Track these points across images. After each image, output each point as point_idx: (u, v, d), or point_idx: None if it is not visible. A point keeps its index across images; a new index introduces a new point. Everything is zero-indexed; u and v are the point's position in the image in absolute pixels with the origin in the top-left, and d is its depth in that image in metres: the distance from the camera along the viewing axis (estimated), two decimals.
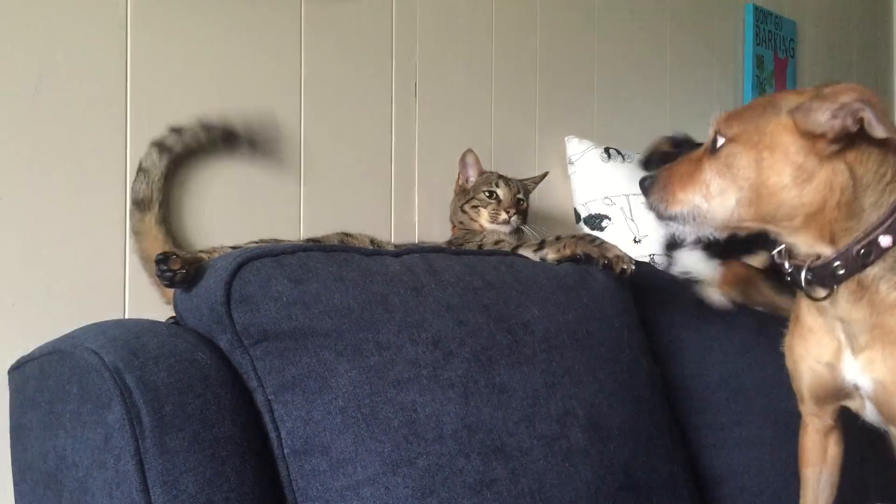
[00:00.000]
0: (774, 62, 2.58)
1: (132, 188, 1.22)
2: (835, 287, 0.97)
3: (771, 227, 0.99)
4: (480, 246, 1.43)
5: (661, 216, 1.02)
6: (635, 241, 1.76)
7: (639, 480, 1.15)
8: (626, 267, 1.25)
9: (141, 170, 1.23)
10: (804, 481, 1.16)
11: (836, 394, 1.06)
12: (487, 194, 1.52)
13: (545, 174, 1.69)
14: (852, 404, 1.07)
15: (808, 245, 0.98)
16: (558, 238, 1.34)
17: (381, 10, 1.57)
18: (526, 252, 1.33)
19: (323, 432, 0.94)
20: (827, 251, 0.96)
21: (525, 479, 1.02)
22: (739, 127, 0.97)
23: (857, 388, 1.02)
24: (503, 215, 1.51)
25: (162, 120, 1.27)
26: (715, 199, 0.97)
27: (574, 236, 1.34)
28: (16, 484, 1.01)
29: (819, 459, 1.14)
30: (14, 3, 1.13)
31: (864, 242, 0.94)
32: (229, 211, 1.34)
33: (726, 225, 0.99)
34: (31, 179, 1.14)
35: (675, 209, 1.00)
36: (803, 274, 0.98)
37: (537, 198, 1.85)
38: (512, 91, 1.81)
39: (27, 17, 1.14)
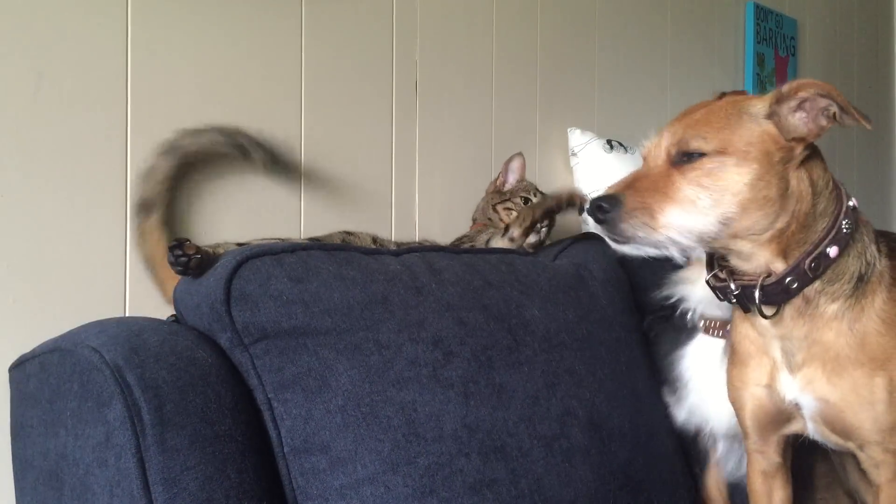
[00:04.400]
0: (775, 60, 2.57)
1: (139, 189, 1.20)
2: (783, 304, 0.93)
3: (737, 244, 0.92)
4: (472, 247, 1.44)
5: (644, 241, 0.90)
6: None
7: (638, 480, 1.15)
8: (584, 203, 1.26)
9: (147, 170, 1.20)
10: None
11: (777, 418, 1.02)
12: (523, 200, 1.54)
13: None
14: (795, 427, 1.03)
15: (765, 261, 0.92)
16: (517, 216, 1.35)
17: (382, 9, 1.57)
18: (497, 242, 1.35)
19: (323, 431, 0.94)
20: (780, 266, 0.92)
21: (525, 478, 1.02)
22: (720, 138, 0.89)
23: (798, 407, 0.98)
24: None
25: (162, 120, 1.27)
26: (700, 216, 0.88)
27: (524, 207, 1.35)
28: (16, 482, 1.01)
29: None
30: (14, 3, 1.13)
31: (814, 255, 0.91)
32: (229, 211, 1.34)
33: (701, 244, 0.91)
34: (32, 179, 1.14)
35: (663, 232, 0.89)
36: (757, 293, 0.92)
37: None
38: (513, 85, 1.81)
39: (27, 16, 1.14)
